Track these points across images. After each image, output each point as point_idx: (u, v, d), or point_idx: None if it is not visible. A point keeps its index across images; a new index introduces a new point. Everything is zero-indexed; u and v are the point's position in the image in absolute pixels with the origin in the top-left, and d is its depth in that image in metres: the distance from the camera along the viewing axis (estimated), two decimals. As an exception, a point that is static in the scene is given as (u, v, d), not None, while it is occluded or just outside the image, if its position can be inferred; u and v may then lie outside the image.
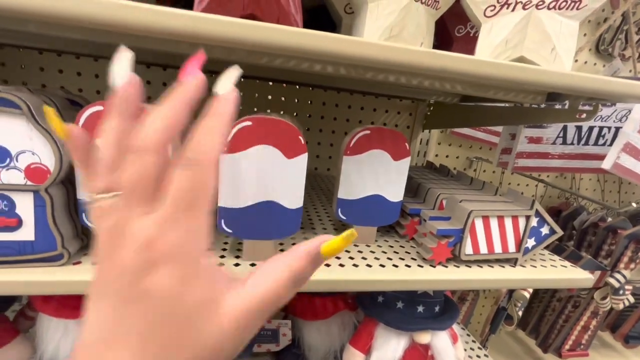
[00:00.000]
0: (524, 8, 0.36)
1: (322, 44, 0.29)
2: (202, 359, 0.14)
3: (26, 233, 0.29)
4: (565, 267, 0.45)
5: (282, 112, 0.79)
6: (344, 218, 0.43)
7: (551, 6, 0.36)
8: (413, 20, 0.38)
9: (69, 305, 0.42)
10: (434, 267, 0.41)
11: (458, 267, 0.41)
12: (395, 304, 0.45)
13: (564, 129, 0.65)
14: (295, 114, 0.80)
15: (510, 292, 0.73)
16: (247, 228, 0.35)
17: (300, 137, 0.34)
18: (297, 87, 0.78)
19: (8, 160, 0.28)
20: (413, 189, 0.52)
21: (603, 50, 0.91)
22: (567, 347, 0.94)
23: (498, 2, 0.37)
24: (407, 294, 0.45)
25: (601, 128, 0.66)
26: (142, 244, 0.14)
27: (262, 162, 0.33)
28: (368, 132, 0.40)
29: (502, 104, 0.61)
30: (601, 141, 0.67)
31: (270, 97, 0.77)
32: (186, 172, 0.15)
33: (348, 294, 0.55)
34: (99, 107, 0.29)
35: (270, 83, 0.77)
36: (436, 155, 0.92)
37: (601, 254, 0.87)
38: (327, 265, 0.38)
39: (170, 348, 0.14)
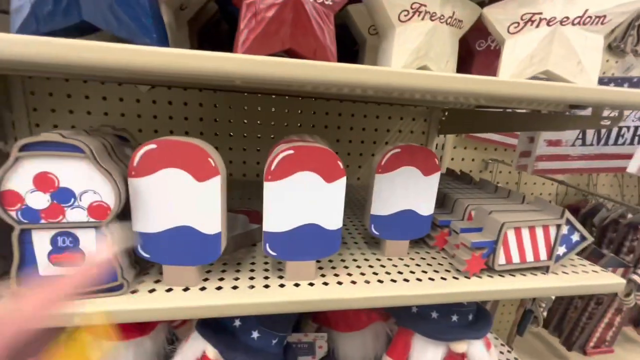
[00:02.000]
0: (548, 24, 0.37)
1: (355, 77, 0.30)
2: None
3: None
4: (597, 272, 0.45)
5: (299, 125, 0.80)
6: (377, 233, 0.44)
7: (576, 22, 0.37)
8: (439, 41, 0.39)
9: (118, 329, 0.43)
10: (469, 278, 0.42)
11: (492, 277, 0.42)
12: (429, 314, 0.47)
13: (583, 130, 0.66)
14: (312, 125, 0.81)
15: (535, 294, 0.73)
16: (291, 250, 0.36)
17: (339, 162, 0.35)
18: (314, 99, 0.80)
19: (73, 200, 0.30)
20: (440, 199, 0.53)
21: (615, 46, 0.91)
22: (591, 344, 0.94)
23: (522, 19, 0.38)
24: (441, 304, 0.46)
25: (620, 128, 0.67)
26: None
27: (304, 187, 0.34)
28: (399, 150, 0.41)
29: (520, 110, 0.62)
30: (620, 140, 0.67)
31: (287, 110, 0.79)
32: None
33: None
34: (152, 146, 0.31)
35: (287, 97, 0.79)
36: (452, 159, 0.92)
37: (623, 250, 0.87)
38: (367, 282, 0.39)
39: None
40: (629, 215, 0.86)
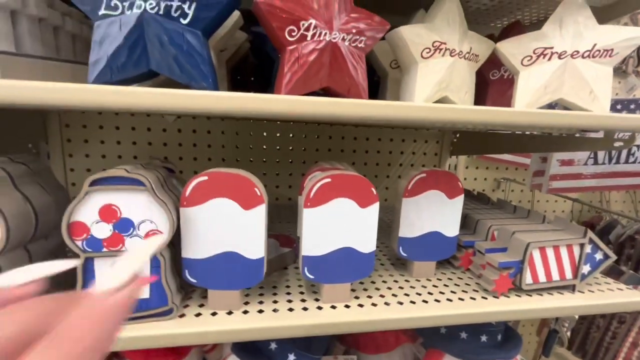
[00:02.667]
0: (559, 57, 0.41)
1: (385, 112, 0.33)
2: None
3: (143, 291, 0.33)
4: (622, 290, 0.46)
5: (316, 150, 0.83)
6: (405, 255, 0.46)
7: (585, 55, 0.40)
8: (458, 74, 0.42)
9: (156, 354, 0.45)
10: (497, 297, 0.43)
11: (520, 296, 0.43)
12: (459, 334, 0.47)
13: (595, 150, 0.68)
14: (329, 149, 0.85)
15: (558, 313, 0.73)
16: (328, 273, 0.38)
17: (373, 189, 0.37)
18: (330, 125, 0.83)
19: (132, 229, 0.32)
20: (461, 219, 0.55)
21: (617, 68, 0.95)
22: (618, 365, 0.92)
23: (534, 53, 0.42)
24: (470, 325, 0.47)
25: (630, 147, 0.69)
26: None
27: (341, 213, 0.37)
28: (424, 175, 0.44)
29: (533, 133, 0.64)
30: (631, 159, 0.69)
31: (304, 135, 0.82)
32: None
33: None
34: (203, 178, 0.34)
35: (305, 124, 0.82)
36: (465, 179, 0.94)
37: (642, 267, 0.87)
38: (400, 303, 0.40)
39: None
40: (645, 232, 0.87)
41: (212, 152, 0.78)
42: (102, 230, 0.31)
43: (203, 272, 0.35)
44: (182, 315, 0.35)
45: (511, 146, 0.69)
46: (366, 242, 0.38)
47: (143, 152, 0.76)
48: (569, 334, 0.75)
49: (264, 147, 0.81)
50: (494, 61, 0.47)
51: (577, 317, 0.73)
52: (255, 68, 0.61)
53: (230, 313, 0.36)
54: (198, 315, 0.36)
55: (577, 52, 0.40)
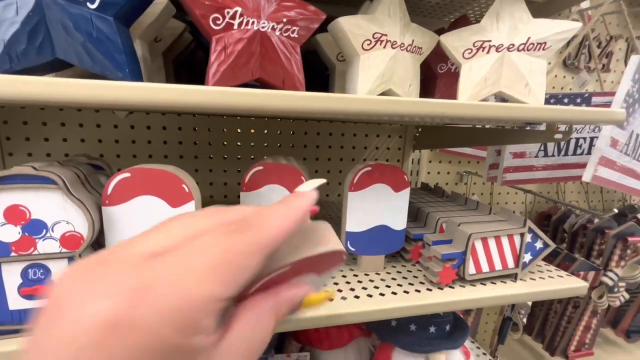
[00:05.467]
0: (497, 51, 0.41)
1: (321, 104, 0.32)
2: None
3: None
4: (562, 277, 0.48)
5: (279, 145, 0.82)
6: (353, 250, 0.45)
7: (520, 48, 0.41)
8: (401, 66, 0.42)
9: None
10: (442, 289, 0.43)
11: (464, 287, 0.44)
12: (408, 327, 0.48)
13: (544, 143, 0.70)
14: (292, 145, 0.83)
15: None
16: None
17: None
18: (292, 120, 0.82)
19: (44, 231, 0.30)
20: (413, 213, 0.55)
21: (570, 64, 0.99)
22: (572, 348, 0.96)
23: (474, 46, 0.42)
24: (419, 316, 0.47)
25: (577, 139, 0.72)
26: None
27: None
28: (369, 168, 0.44)
29: (486, 126, 0.66)
30: (579, 151, 0.72)
31: (266, 131, 0.81)
32: (234, 234, 0.16)
33: (360, 320, 0.56)
34: (126, 175, 0.32)
35: (266, 119, 0.81)
36: (428, 173, 0.96)
37: (593, 254, 0.92)
38: (344, 298, 0.40)
39: None
40: (596, 220, 0.91)
41: (167, 149, 0.75)
42: (9, 233, 0.29)
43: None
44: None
45: (467, 140, 0.71)
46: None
47: (94, 150, 0.72)
48: (525, 320, 0.78)
49: (224, 143, 0.79)
50: (441, 54, 0.47)
51: (530, 304, 0.76)
52: (206, 63, 0.58)
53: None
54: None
55: (513, 45, 0.41)
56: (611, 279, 0.85)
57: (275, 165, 0.40)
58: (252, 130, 0.80)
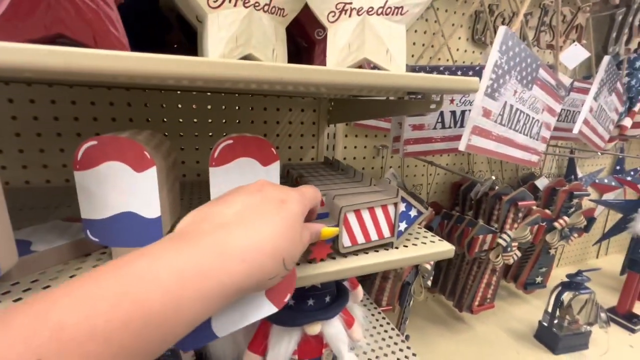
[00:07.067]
0: (357, 14, 0.39)
1: (145, 66, 0.27)
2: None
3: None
4: (434, 242, 0.50)
5: (195, 120, 0.75)
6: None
7: (379, 12, 0.39)
8: (259, 29, 0.38)
9: None
10: (316, 263, 0.43)
11: (335, 259, 0.44)
12: (288, 303, 0.47)
13: (441, 114, 0.72)
14: (194, 120, 0.77)
15: (416, 268, 0.80)
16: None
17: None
18: (194, 93, 0.75)
19: None
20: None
21: (477, 39, 1.03)
22: (476, 303, 1.07)
23: (337, 8, 0.40)
24: (297, 291, 0.47)
25: (470, 110, 0.75)
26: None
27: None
28: (231, 141, 0.40)
29: (382, 98, 0.65)
30: (473, 122, 0.76)
31: (180, 105, 0.74)
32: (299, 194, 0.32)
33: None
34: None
35: (162, 91, 0.73)
36: (345, 147, 0.96)
37: (493, 218, 1.00)
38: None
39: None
40: (496, 188, 0.99)
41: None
42: None
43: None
44: None
45: (372, 112, 0.70)
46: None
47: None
48: (429, 283, 0.84)
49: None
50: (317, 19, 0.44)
51: (429, 268, 0.81)
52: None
53: None
54: None
55: (372, 8, 0.39)
56: (505, 240, 0.94)
57: (112, 140, 0.34)
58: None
